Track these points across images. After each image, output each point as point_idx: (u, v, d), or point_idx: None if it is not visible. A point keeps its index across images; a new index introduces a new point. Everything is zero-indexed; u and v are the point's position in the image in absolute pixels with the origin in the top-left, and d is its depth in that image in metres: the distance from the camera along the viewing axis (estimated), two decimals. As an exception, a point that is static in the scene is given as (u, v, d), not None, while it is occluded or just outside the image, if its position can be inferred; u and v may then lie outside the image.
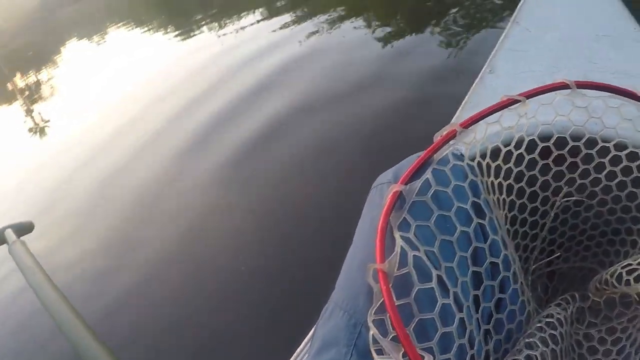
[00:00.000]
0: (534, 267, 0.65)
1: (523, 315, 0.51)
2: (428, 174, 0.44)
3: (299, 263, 1.49)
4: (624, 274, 0.52)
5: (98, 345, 0.57)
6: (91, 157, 3.02)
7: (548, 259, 0.67)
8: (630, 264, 0.52)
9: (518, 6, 1.33)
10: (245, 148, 2.30)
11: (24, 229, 0.87)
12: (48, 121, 4.64)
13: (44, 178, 3.01)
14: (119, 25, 8.21)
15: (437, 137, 0.47)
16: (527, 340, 0.49)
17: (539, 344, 0.47)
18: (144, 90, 3.98)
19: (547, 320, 0.52)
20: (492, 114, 0.49)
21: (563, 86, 0.50)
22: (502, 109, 0.49)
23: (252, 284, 1.51)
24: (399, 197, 0.43)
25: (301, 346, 0.68)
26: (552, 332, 0.51)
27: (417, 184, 0.43)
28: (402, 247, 0.39)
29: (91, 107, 4.13)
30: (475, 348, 0.43)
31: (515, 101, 0.49)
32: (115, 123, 3.41)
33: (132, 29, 7.39)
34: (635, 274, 0.51)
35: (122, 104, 3.89)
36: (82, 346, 0.57)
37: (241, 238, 1.75)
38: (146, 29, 6.77)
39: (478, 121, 0.48)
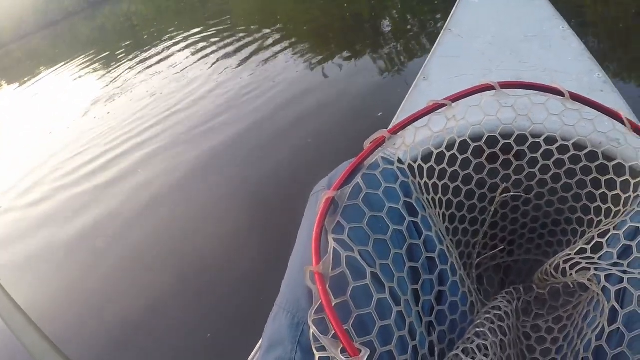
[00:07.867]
0: (477, 260, 0.68)
1: (466, 305, 0.53)
2: (358, 179, 0.46)
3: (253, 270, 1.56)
4: (561, 263, 0.54)
5: None
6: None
7: (491, 252, 0.70)
8: (569, 254, 0.55)
9: (450, 14, 1.39)
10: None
11: None
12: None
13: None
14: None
15: (367, 144, 0.49)
16: (476, 330, 0.50)
17: (489, 334, 0.49)
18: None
19: (495, 312, 0.54)
20: (419, 119, 0.51)
21: (487, 88, 0.52)
22: (429, 113, 0.52)
23: (214, 288, 1.58)
24: (332, 203, 0.45)
25: (255, 348, 0.70)
26: (500, 323, 0.52)
27: (348, 189, 0.45)
28: (335, 248, 0.41)
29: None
30: (417, 339, 0.45)
31: (441, 105, 0.52)
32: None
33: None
34: (571, 262, 0.53)
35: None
36: None
37: (203, 244, 1.83)
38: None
39: (406, 127, 0.51)
